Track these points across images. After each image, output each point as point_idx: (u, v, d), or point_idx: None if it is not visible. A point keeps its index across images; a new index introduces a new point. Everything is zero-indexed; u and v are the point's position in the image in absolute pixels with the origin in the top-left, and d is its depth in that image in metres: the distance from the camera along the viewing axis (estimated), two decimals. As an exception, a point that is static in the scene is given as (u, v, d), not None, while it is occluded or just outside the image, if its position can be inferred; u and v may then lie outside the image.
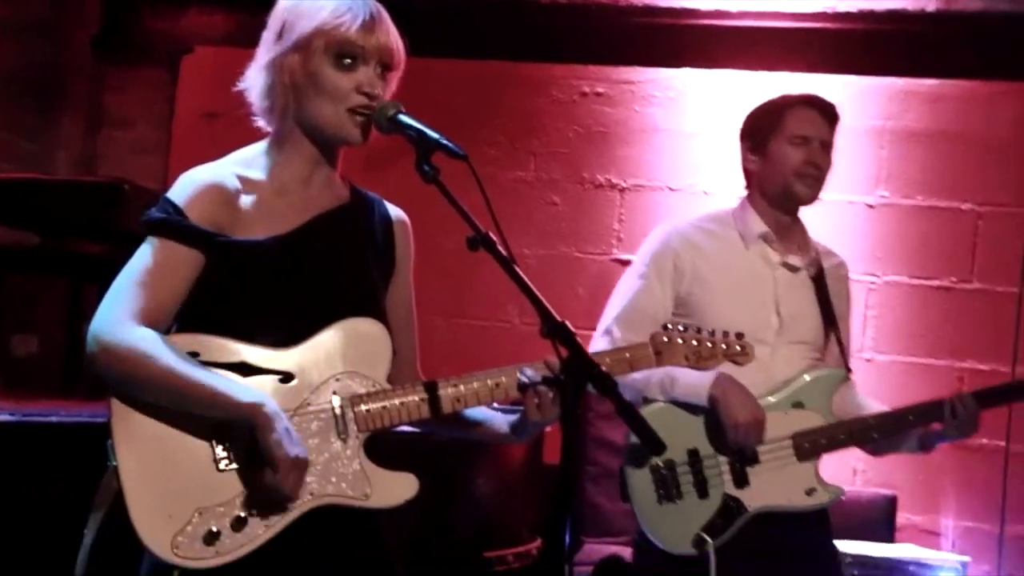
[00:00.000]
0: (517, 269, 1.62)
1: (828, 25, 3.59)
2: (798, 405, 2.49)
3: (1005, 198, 3.50)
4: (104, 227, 3.30)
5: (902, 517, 3.42)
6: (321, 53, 1.71)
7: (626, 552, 3.17)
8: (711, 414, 2.46)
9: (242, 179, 1.79)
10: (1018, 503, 3.36)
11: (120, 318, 1.72)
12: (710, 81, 3.50)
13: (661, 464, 2.48)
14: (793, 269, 2.52)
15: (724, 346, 1.98)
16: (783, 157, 2.46)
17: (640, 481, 2.48)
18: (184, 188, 1.75)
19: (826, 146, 2.46)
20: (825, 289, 2.57)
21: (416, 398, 1.79)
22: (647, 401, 2.54)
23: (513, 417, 1.86)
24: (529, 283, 1.62)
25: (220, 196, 1.78)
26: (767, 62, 3.55)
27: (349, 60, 1.72)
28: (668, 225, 2.63)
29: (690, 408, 2.49)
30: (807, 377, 2.51)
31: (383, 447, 1.87)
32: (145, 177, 3.60)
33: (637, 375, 2.27)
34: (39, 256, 3.58)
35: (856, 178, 3.56)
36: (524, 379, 1.77)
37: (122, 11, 3.79)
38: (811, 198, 2.51)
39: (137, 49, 3.83)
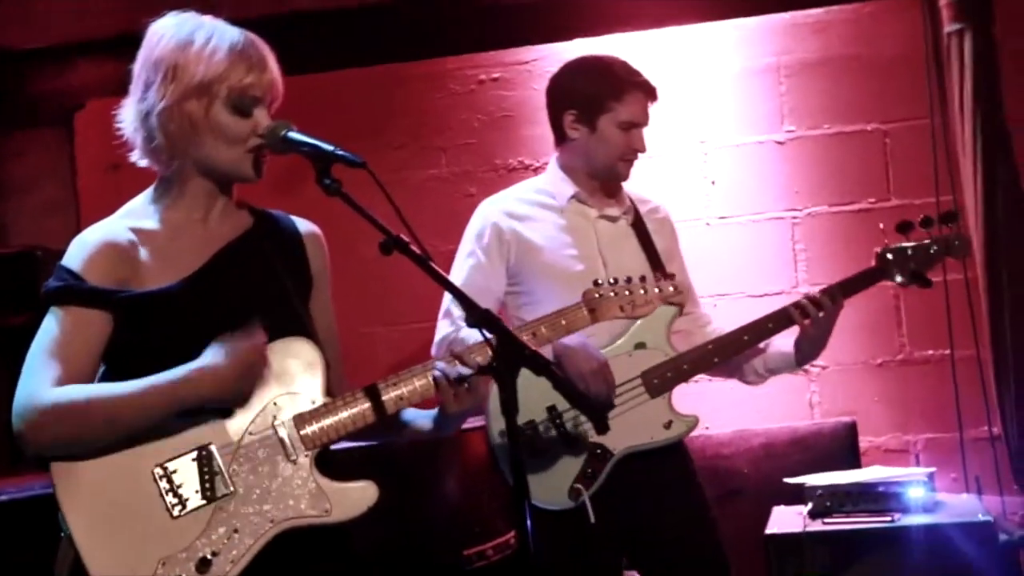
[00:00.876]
0: (433, 265, 1.64)
1: None
2: (640, 346, 2.58)
3: (907, 112, 3.52)
4: (23, 297, 3.25)
5: (864, 441, 3.46)
6: (221, 101, 1.74)
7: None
8: (564, 377, 2.48)
9: (135, 230, 1.79)
10: (972, 407, 3.39)
11: (37, 386, 1.72)
12: (603, 48, 3.39)
13: (526, 423, 2.55)
14: (612, 219, 2.63)
15: (657, 289, 2.07)
16: (612, 138, 2.56)
17: (505, 451, 2.56)
18: (78, 252, 1.75)
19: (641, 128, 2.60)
20: (646, 233, 2.67)
21: (360, 406, 1.78)
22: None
23: (434, 412, 1.87)
24: (446, 276, 1.67)
25: (115, 252, 1.78)
26: (656, 19, 3.55)
27: (247, 104, 1.76)
28: (485, 203, 2.69)
29: (539, 368, 2.52)
30: (638, 322, 2.56)
31: (341, 462, 1.90)
32: (58, 239, 3.45)
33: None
34: None
35: (761, 117, 3.60)
36: (437, 373, 1.80)
37: (8, 76, 3.64)
38: (627, 177, 2.64)
39: (29, 111, 3.81)
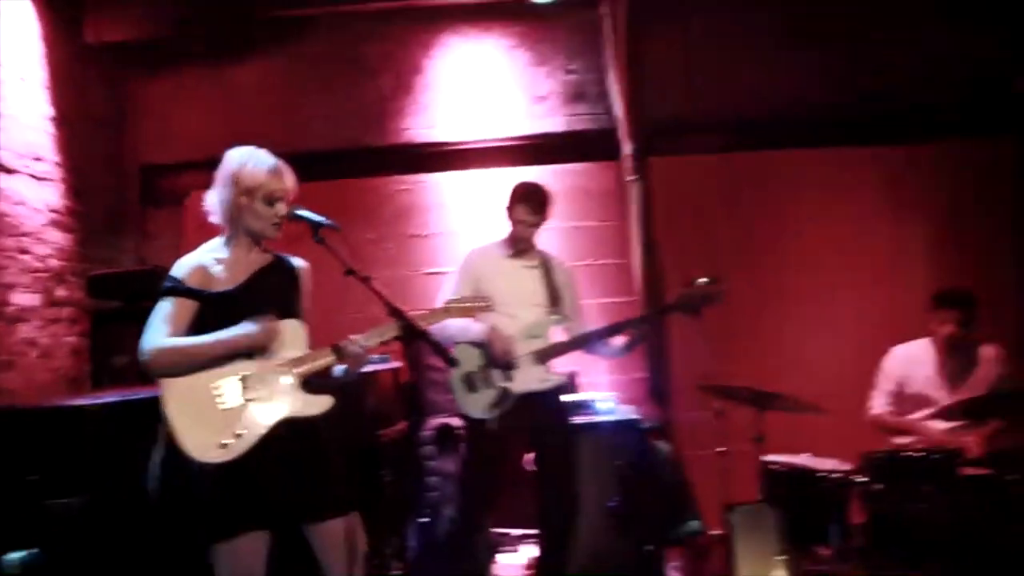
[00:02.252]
0: (372, 284, 2.45)
1: (512, 143, 5.17)
2: (534, 336, 3.60)
3: (610, 217, 5.12)
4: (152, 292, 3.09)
5: (583, 380, 4.86)
6: (259, 198, 2.51)
7: (451, 421, 4.31)
8: (486, 347, 3.49)
9: (215, 259, 2.52)
10: (634, 364, 4.86)
11: (154, 339, 2.40)
12: (463, 178, 5.10)
13: (466, 374, 3.50)
14: (530, 267, 3.66)
15: (478, 303, 2.97)
16: (513, 224, 3.56)
17: (457, 383, 3.54)
18: (180, 267, 2.50)
19: (533, 225, 3.54)
20: (551, 276, 3.67)
21: (324, 353, 2.54)
22: (458, 343, 3.52)
23: (343, 368, 2.57)
24: (379, 289, 2.41)
25: (201, 270, 2.49)
26: (486, 163, 5.11)
27: (273, 201, 2.52)
28: (469, 250, 3.70)
29: (477, 344, 3.52)
30: (533, 322, 3.57)
31: (317, 388, 2.57)
32: (172, 263, 3.83)
33: (453, 330, 3.44)
34: (121, 312, 4.55)
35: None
36: (348, 345, 2.50)
37: (151, 178, 5.21)
38: (524, 246, 3.58)
39: (161, 197, 5.19)
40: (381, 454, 4.22)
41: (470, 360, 3.50)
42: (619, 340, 3.61)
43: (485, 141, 5.15)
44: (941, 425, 4.01)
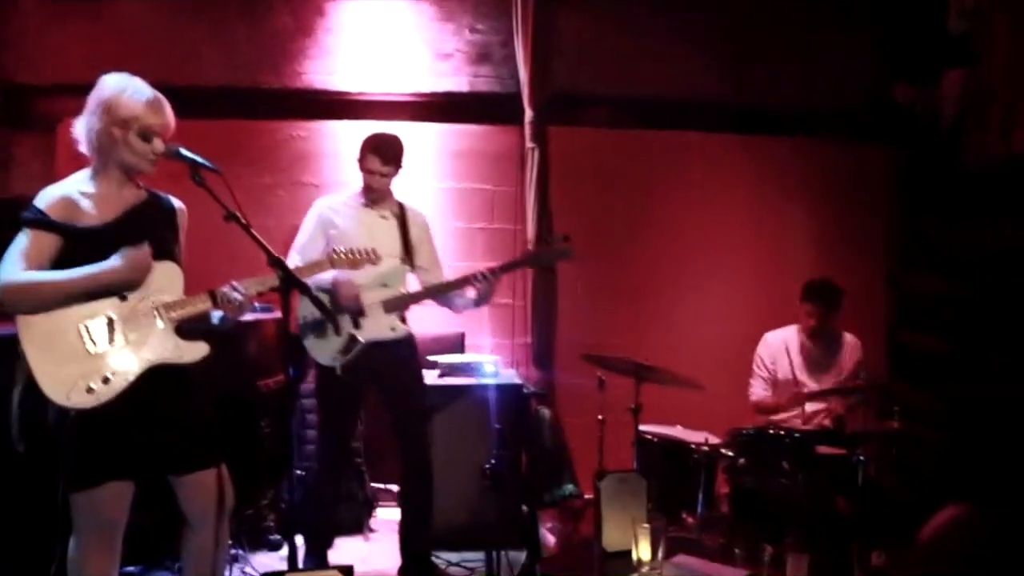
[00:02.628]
0: (253, 231, 2.38)
1: (415, 98, 5.09)
2: (385, 286, 3.64)
3: (506, 182, 5.06)
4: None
5: (469, 343, 4.98)
6: (134, 132, 2.41)
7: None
8: (333, 292, 3.50)
9: (82, 192, 2.41)
10: (519, 329, 5.04)
11: (10, 272, 2.28)
12: (360, 128, 4.70)
13: (315, 321, 3.45)
14: (385, 218, 3.70)
15: (362, 255, 3.07)
16: (365, 174, 3.61)
17: (306, 330, 3.55)
18: (43, 198, 2.38)
19: (385, 176, 3.58)
20: (406, 227, 3.70)
21: (202, 299, 2.52)
22: (320, 289, 3.49)
23: (220, 314, 2.55)
24: (259, 237, 2.37)
25: (66, 202, 2.37)
26: (386, 116, 4.98)
27: (150, 136, 2.43)
28: (319, 200, 3.74)
29: (326, 290, 3.51)
30: (386, 271, 3.59)
31: (191, 334, 2.52)
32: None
33: (321, 277, 3.37)
34: None
35: (432, 175, 5.06)
36: (232, 294, 2.48)
37: (18, 99, 4.83)
38: (386, 195, 3.61)
39: (31, 120, 4.82)
40: (260, 404, 4.21)
41: (319, 308, 3.35)
42: (471, 292, 3.65)
43: (385, 94, 5.05)
44: (807, 407, 4.31)
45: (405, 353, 3.65)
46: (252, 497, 4.22)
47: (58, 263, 2.33)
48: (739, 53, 5.19)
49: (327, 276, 3.45)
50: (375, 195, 3.65)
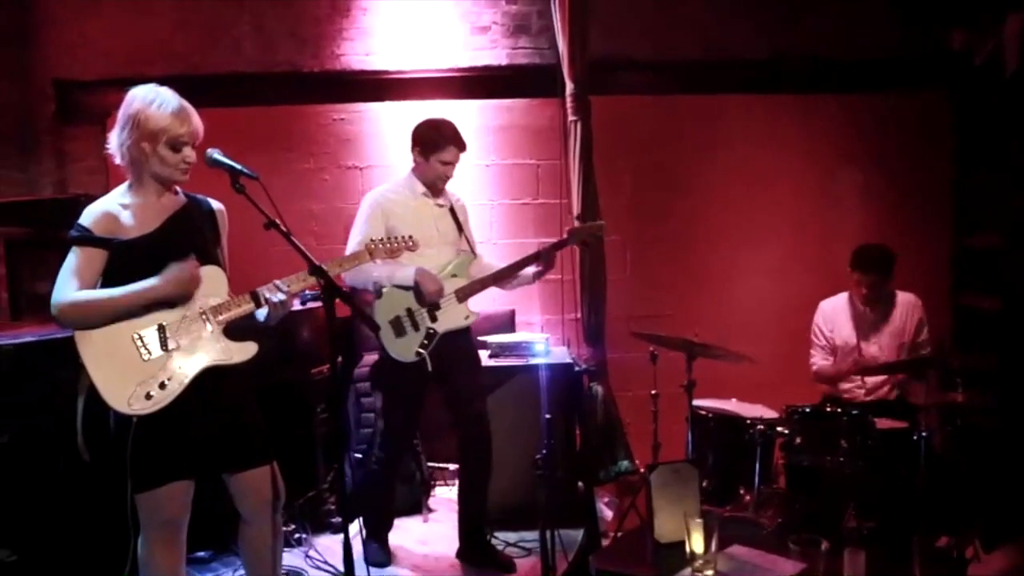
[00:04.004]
0: (293, 239, 2.32)
1: (452, 75, 4.90)
2: (454, 276, 3.57)
3: (549, 155, 4.87)
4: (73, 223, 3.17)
5: (519, 320, 4.88)
6: (163, 143, 2.40)
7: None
8: (416, 288, 3.44)
9: (122, 204, 2.43)
10: (569, 305, 4.84)
11: (65, 292, 2.31)
12: (401, 108, 4.84)
13: (394, 318, 3.44)
14: (440, 207, 3.60)
15: (403, 243, 2.93)
16: (439, 166, 3.47)
17: (384, 329, 3.46)
18: (88, 215, 2.40)
19: (456, 164, 3.49)
20: (455, 215, 3.63)
21: (244, 300, 2.50)
22: (379, 287, 3.43)
23: (265, 311, 2.54)
24: (300, 245, 2.31)
25: (108, 217, 2.39)
26: (425, 94, 4.85)
27: (179, 146, 2.42)
28: (373, 191, 3.59)
29: (405, 287, 3.47)
30: (454, 262, 3.55)
31: (240, 334, 2.52)
32: (96, 189, 4.18)
33: (375, 272, 3.32)
34: (37, 239, 4.19)
35: (476, 151, 4.78)
36: (267, 295, 2.48)
37: (67, 95, 4.79)
38: (438, 189, 3.50)
39: (81, 115, 4.74)
40: (316, 391, 4.20)
41: (395, 304, 3.43)
42: (529, 271, 3.63)
43: (424, 71, 4.91)
44: (871, 377, 4.14)
45: (467, 335, 3.65)
46: (312, 481, 4.27)
47: (107, 275, 2.37)
48: (780, 7, 4.93)
49: (404, 272, 3.40)
50: (441, 184, 3.56)
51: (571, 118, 4.66)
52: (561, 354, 4.35)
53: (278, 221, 2.32)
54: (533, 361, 4.16)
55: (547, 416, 3.61)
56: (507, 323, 4.89)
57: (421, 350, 3.42)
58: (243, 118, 4.69)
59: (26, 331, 3.43)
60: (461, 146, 3.49)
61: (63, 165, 4.80)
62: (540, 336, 4.40)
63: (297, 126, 4.96)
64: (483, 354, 4.23)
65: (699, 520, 2.54)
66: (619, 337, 4.63)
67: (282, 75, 4.85)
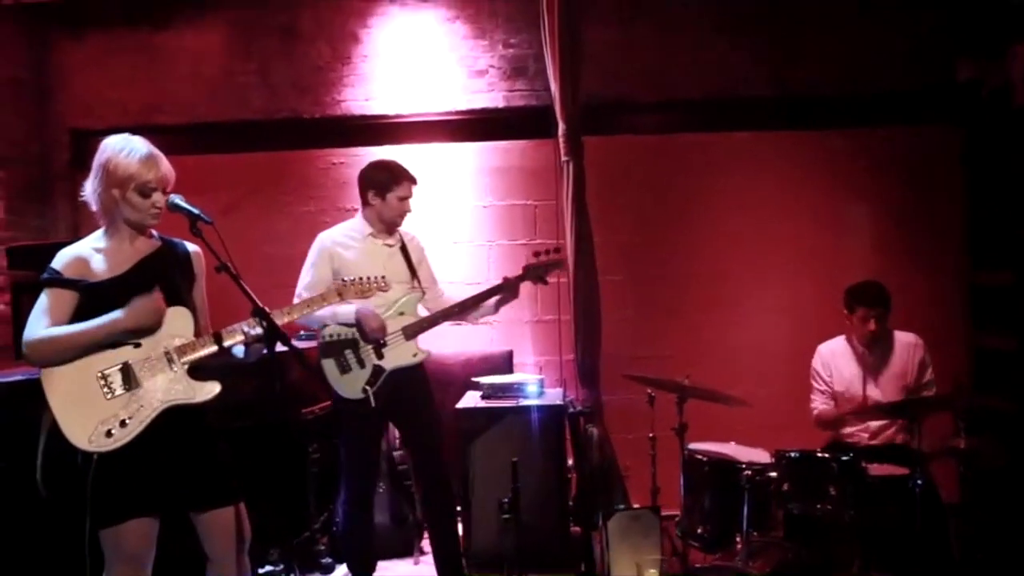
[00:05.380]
0: (241, 282, 2.37)
1: (450, 117, 4.90)
2: (401, 313, 3.54)
3: (543, 197, 4.85)
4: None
5: (516, 360, 4.81)
6: (132, 190, 2.45)
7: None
8: (359, 326, 3.41)
9: (96, 249, 2.49)
10: (565, 344, 4.76)
11: (35, 329, 2.38)
12: (400, 151, 4.76)
13: (339, 355, 3.39)
14: (389, 246, 3.56)
15: (374, 283, 2.94)
16: (395, 204, 3.51)
17: (328, 366, 3.43)
18: (59, 259, 2.46)
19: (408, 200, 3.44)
20: (407, 253, 3.59)
21: (208, 342, 2.52)
22: (325, 327, 3.42)
23: (243, 349, 2.57)
24: (247, 288, 2.36)
25: (78, 261, 2.46)
26: (423, 137, 4.87)
27: (147, 192, 2.46)
28: (321, 235, 3.54)
29: (348, 325, 3.44)
30: (402, 299, 3.51)
31: (206, 373, 2.50)
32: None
33: (322, 313, 3.24)
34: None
35: (470, 192, 4.90)
36: (247, 330, 2.51)
37: (82, 144, 4.85)
38: (398, 225, 3.49)
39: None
40: (308, 431, 4.13)
41: (340, 342, 3.41)
42: (489, 303, 3.60)
43: (422, 115, 4.90)
44: (875, 421, 3.93)
45: (418, 373, 3.57)
46: (304, 521, 4.17)
47: (77, 317, 2.40)
48: (782, 43, 4.79)
49: (348, 309, 3.37)
50: (397, 223, 3.55)
51: (563, 158, 4.63)
52: (555, 395, 4.22)
53: (229, 264, 2.37)
54: (525, 403, 4.05)
55: (513, 460, 3.48)
56: (504, 364, 4.80)
57: (367, 387, 3.38)
58: (247, 163, 4.86)
59: (21, 371, 3.47)
60: (413, 180, 3.51)
61: (77, 210, 4.88)
62: (534, 377, 4.28)
63: (299, 170, 5.01)
64: (475, 395, 4.14)
65: (653, 570, 2.34)
66: (616, 379, 4.50)
67: (284, 122, 4.92)
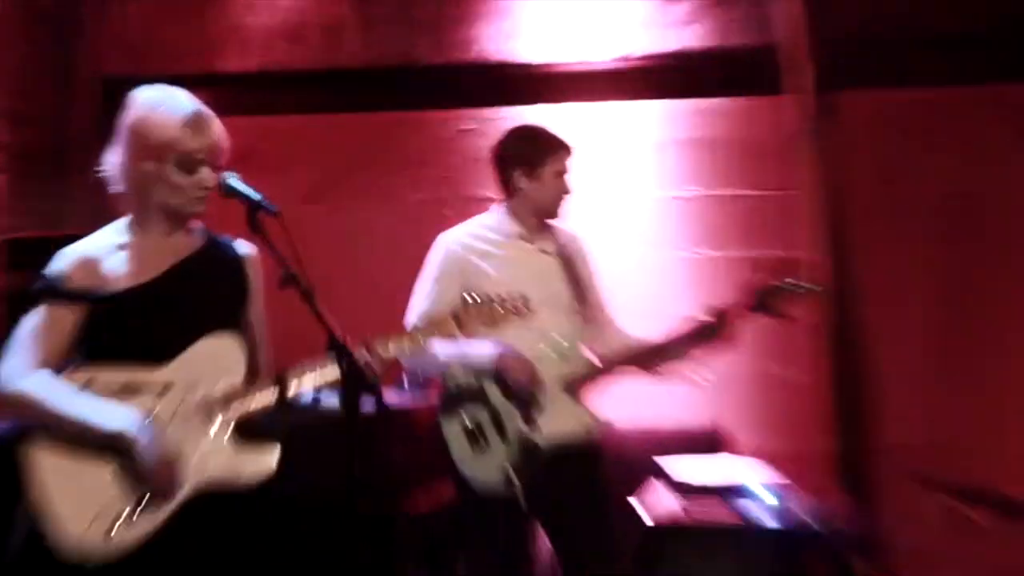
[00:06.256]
0: (314, 301, 1.85)
1: (629, 65, 4.02)
2: (563, 356, 2.79)
3: (772, 184, 3.90)
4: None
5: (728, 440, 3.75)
6: (170, 162, 2.00)
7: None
8: (499, 377, 2.74)
9: (116, 245, 2.07)
10: (813, 421, 3.66)
11: (17, 371, 1.95)
12: (554, 113, 3.92)
13: (467, 422, 2.79)
14: (547, 252, 2.90)
15: (506, 307, 2.31)
16: (551, 183, 2.83)
17: (454, 437, 2.79)
18: (61, 259, 2.03)
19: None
20: (571, 263, 2.93)
21: (267, 389, 2.04)
22: (448, 374, 2.82)
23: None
24: (321, 311, 1.84)
25: (88, 263, 2.02)
26: (589, 94, 4.03)
27: (192, 166, 2.01)
28: (445, 235, 2.91)
29: (484, 373, 2.78)
30: (560, 335, 2.79)
31: (262, 434, 2.09)
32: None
33: (444, 353, 2.71)
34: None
35: (672, 179, 4.02)
36: (323, 375, 2.01)
37: (116, 97, 4.36)
38: (558, 214, 2.87)
39: None
40: (410, 533, 3.45)
41: (470, 401, 2.82)
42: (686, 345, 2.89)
43: (588, 63, 4.06)
44: None
45: (589, 453, 2.84)
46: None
47: (86, 340, 1.96)
48: None
49: (482, 351, 2.72)
50: (556, 212, 2.91)
51: (810, 124, 3.76)
52: (802, 508, 3.10)
53: (300, 275, 1.82)
54: (757, 517, 2.96)
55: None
56: (706, 445, 3.79)
57: (514, 469, 2.72)
58: (336, 129, 4.18)
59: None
60: (569, 149, 2.93)
61: (102, 189, 4.35)
62: (763, 472, 3.26)
63: (409, 139, 4.23)
64: (663, 491, 3.20)
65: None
66: (899, 485, 3.45)
67: (390, 70, 4.12)
